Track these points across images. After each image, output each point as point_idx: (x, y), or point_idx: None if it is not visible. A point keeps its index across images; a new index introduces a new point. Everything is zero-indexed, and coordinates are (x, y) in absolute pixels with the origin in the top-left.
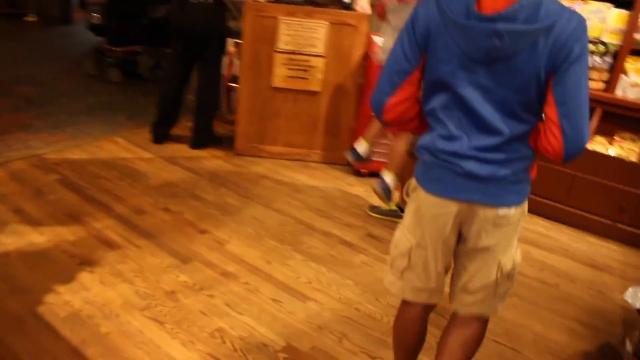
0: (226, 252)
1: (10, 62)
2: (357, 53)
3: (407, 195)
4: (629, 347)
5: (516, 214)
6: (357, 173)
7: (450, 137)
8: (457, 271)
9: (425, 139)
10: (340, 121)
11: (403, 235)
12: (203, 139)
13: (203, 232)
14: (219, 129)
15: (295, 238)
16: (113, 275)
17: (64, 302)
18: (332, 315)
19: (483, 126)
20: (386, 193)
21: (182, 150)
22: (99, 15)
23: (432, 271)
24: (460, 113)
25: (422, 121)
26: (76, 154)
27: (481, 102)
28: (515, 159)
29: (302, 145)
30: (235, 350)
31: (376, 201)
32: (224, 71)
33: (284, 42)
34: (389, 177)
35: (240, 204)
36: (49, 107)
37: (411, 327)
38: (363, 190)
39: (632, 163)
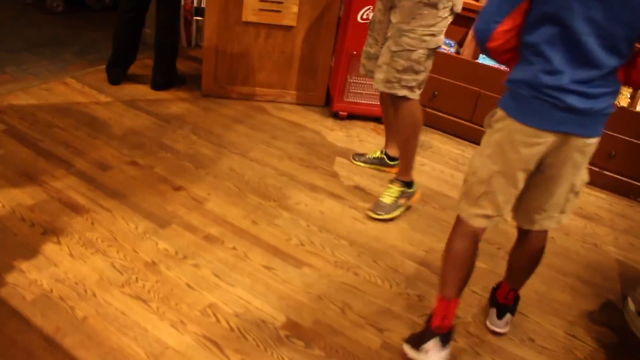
0: (206, 212)
1: None
2: None
3: (490, 125)
4: (631, 305)
5: (597, 141)
6: (335, 115)
7: (553, 72)
8: (532, 194)
9: (523, 73)
10: (317, 59)
11: (483, 163)
12: (166, 79)
13: (178, 188)
14: (181, 66)
15: (280, 192)
16: (83, 246)
17: (30, 282)
18: (331, 282)
19: (586, 60)
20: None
21: (143, 91)
22: None
23: (508, 198)
24: (564, 47)
25: (514, 54)
26: (23, 99)
27: (589, 36)
28: (610, 92)
29: (276, 85)
30: (232, 330)
31: (360, 148)
32: (182, 1)
33: None
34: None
35: (214, 154)
36: None
37: (473, 251)
38: (344, 135)
39: (622, 108)
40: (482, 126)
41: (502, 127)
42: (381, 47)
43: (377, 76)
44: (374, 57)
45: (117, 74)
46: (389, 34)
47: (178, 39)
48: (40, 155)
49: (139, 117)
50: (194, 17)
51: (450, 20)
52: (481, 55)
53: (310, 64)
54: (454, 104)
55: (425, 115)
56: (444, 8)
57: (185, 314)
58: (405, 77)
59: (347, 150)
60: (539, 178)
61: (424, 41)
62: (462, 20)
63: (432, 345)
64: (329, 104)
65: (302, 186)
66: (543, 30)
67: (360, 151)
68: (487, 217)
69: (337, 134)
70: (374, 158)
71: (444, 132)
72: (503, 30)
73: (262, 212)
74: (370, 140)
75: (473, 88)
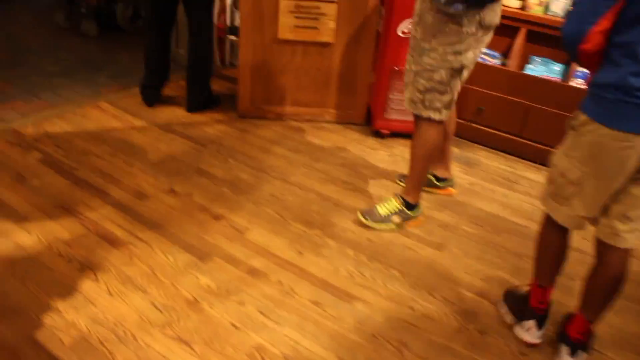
0: (248, 242)
1: None
2: None
3: (573, 128)
4: None
5: None
6: (377, 134)
7: None
8: (620, 199)
9: (609, 76)
10: (355, 75)
11: (572, 164)
12: (200, 100)
13: (218, 217)
14: (215, 86)
15: (324, 219)
16: (122, 283)
17: (67, 323)
18: (385, 318)
19: None
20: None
21: (178, 114)
22: None
23: (600, 201)
24: None
25: (601, 57)
26: (58, 126)
27: None
28: None
29: (314, 104)
30: None
31: (404, 168)
32: (215, 19)
33: None
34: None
35: (254, 179)
36: (19, 69)
37: (564, 244)
38: (387, 155)
39: None
40: (532, 141)
41: (588, 130)
42: None
43: (405, 95)
44: None
45: (152, 95)
46: (413, 51)
47: (211, 59)
48: (76, 184)
49: (175, 142)
50: (228, 36)
51: (483, 35)
52: (528, 66)
53: (349, 81)
54: (501, 119)
55: (470, 131)
56: (470, 23)
57: (231, 357)
58: (428, 97)
59: (391, 171)
60: (631, 183)
61: (447, 60)
62: (506, 30)
63: (532, 324)
64: (370, 122)
65: (347, 211)
66: (639, 29)
67: (405, 171)
68: (579, 218)
69: (380, 153)
70: None
71: (492, 148)
72: (598, 30)
73: (306, 241)
74: None
75: (521, 101)
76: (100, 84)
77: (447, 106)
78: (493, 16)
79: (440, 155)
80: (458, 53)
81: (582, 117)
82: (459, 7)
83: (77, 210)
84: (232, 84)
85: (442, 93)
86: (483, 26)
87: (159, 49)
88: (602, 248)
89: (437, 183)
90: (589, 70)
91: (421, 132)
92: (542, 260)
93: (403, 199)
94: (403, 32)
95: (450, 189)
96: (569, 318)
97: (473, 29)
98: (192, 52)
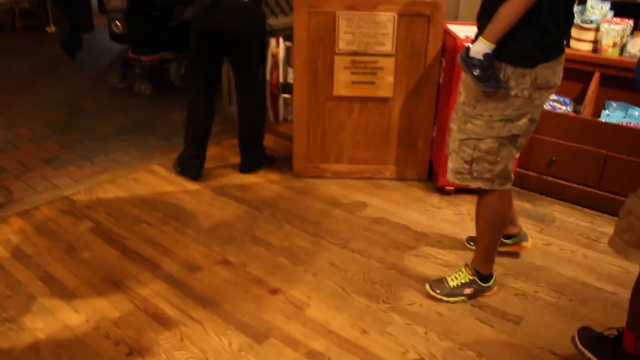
0: (307, 320)
1: (30, 80)
2: (433, 48)
3: None
4: None
5: None
6: (441, 191)
7: None
8: None
9: None
10: (415, 130)
11: None
12: (254, 161)
13: (275, 291)
14: (269, 143)
15: (390, 290)
16: None
17: None
18: None
19: None
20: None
21: (231, 175)
22: (120, 23)
23: None
24: None
25: None
26: (110, 192)
27: None
28: None
29: (372, 161)
30: None
31: (472, 229)
32: (268, 76)
33: (345, 41)
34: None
35: (311, 246)
36: (74, 133)
37: None
38: (453, 214)
39: None
40: (612, 192)
41: None
42: None
43: (448, 164)
44: None
45: (196, 165)
46: (456, 114)
47: (264, 120)
48: (126, 256)
49: (229, 206)
50: (282, 95)
51: (540, 96)
52: (604, 112)
53: (409, 136)
54: (577, 170)
55: (542, 184)
56: (519, 86)
57: None
58: (476, 168)
59: (459, 232)
60: None
61: (493, 128)
62: (578, 75)
63: None
64: (433, 179)
65: (413, 281)
66: None
67: (473, 232)
68: None
69: (445, 212)
70: None
71: (567, 201)
72: None
73: (370, 317)
74: None
75: (598, 150)
76: (153, 145)
77: (504, 175)
78: (551, 75)
79: None
80: (508, 120)
81: None
82: (495, 85)
83: (127, 285)
84: (287, 140)
85: (492, 163)
86: (539, 87)
87: (205, 122)
88: None
89: (505, 241)
90: None
91: (481, 204)
92: None
93: (474, 269)
94: None
95: (523, 243)
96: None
97: (526, 93)
98: (243, 113)
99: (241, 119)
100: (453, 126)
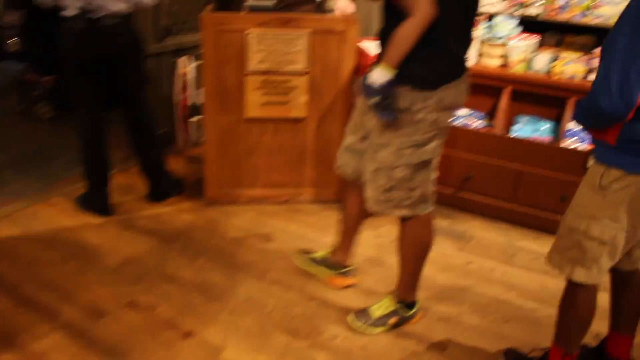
0: None
1: None
2: (347, 65)
3: (603, 187)
4: None
5: None
6: None
7: None
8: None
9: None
10: (332, 151)
11: (605, 225)
12: (162, 190)
13: (187, 334)
14: (178, 166)
15: (311, 325)
16: None
17: None
18: None
19: None
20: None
21: (138, 205)
22: (16, 40)
23: (629, 246)
24: None
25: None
26: (4, 229)
27: None
28: None
29: (288, 184)
30: None
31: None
32: (176, 97)
33: (255, 60)
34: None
35: (227, 281)
36: None
37: (595, 304)
38: (373, 236)
39: None
40: (528, 206)
41: (625, 185)
42: (360, 139)
43: (366, 194)
44: (353, 151)
45: (105, 200)
46: (367, 142)
47: (157, 142)
48: (19, 305)
49: (136, 240)
50: (190, 119)
51: (445, 117)
52: (513, 128)
53: (325, 157)
54: (492, 185)
55: (459, 201)
56: (424, 108)
57: None
58: (395, 196)
59: (379, 255)
60: None
61: (403, 156)
62: (490, 90)
63: None
64: None
65: (335, 312)
66: None
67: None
68: (606, 270)
69: (365, 235)
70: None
71: (484, 216)
72: None
73: (292, 357)
74: None
75: (512, 165)
76: (54, 175)
77: (422, 200)
78: (456, 96)
79: (343, 235)
80: (418, 146)
81: (616, 173)
82: (391, 115)
83: (19, 340)
84: (199, 164)
85: (409, 190)
86: (446, 108)
87: (102, 153)
88: (627, 275)
89: (327, 269)
90: (607, 130)
91: (406, 229)
92: (575, 328)
93: (399, 298)
94: None
95: (338, 280)
96: (605, 341)
97: (432, 116)
98: (138, 147)
99: (137, 149)
100: (365, 156)
